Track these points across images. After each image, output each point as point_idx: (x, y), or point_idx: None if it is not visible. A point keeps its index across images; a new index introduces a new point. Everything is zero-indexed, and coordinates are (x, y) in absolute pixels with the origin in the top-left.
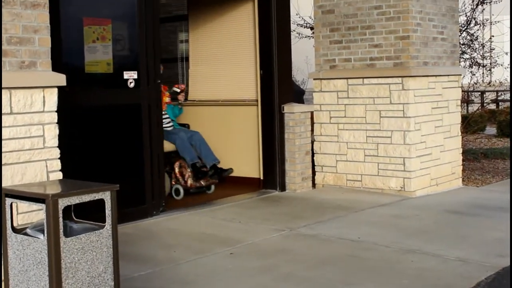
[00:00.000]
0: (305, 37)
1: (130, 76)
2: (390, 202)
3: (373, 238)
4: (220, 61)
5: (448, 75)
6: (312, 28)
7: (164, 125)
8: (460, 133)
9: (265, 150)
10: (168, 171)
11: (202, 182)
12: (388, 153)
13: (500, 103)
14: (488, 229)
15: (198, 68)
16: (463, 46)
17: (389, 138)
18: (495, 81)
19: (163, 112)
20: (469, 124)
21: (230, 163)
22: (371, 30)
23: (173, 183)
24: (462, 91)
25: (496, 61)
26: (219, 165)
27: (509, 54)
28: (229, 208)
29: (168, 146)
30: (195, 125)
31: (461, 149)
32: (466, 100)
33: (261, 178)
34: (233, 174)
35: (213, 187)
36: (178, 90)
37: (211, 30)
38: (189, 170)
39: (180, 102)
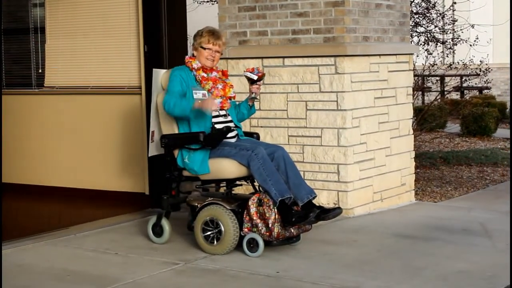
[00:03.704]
0: (206, 1)
1: None
2: (319, 224)
3: (296, 272)
4: (89, 33)
5: (396, 54)
6: None
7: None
8: (412, 131)
9: None
10: (235, 209)
11: (293, 231)
12: (317, 158)
13: (465, 92)
14: (449, 259)
15: (58, 43)
16: (417, 16)
17: (318, 138)
18: (458, 62)
19: (225, 113)
20: (425, 119)
21: (102, 175)
22: None
23: (246, 230)
24: (415, 75)
25: (459, 36)
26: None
27: (475, 28)
28: (101, 235)
29: (235, 170)
30: (54, 122)
31: (414, 152)
32: (420, 88)
33: (147, 193)
34: (108, 188)
35: (301, 235)
36: (255, 77)
37: None
38: (275, 210)
39: (254, 96)
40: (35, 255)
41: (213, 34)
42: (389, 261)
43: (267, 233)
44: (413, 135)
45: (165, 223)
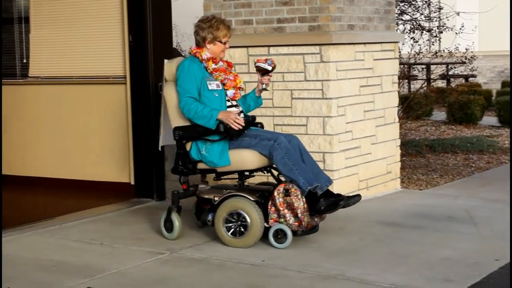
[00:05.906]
0: None
1: None
2: None
3: (281, 261)
4: (74, 23)
5: (382, 43)
6: None
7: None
8: (397, 120)
9: (137, 144)
10: (258, 201)
11: (316, 219)
12: None
13: (450, 79)
14: (434, 246)
15: (42, 33)
16: (402, 4)
17: (303, 127)
18: (444, 50)
19: (235, 103)
20: (411, 107)
21: (87, 165)
22: None
23: (272, 221)
24: (400, 63)
25: (445, 24)
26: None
27: (462, 16)
28: (86, 225)
29: (255, 160)
30: (39, 112)
31: (399, 140)
32: (406, 76)
33: (132, 183)
34: (93, 178)
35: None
36: (269, 68)
37: None
38: (303, 199)
39: (264, 87)
40: (20, 246)
41: (229, 27)
42: (375, 249)
43: (296, 223)
44: (398, 123)
45: (174, 218)
